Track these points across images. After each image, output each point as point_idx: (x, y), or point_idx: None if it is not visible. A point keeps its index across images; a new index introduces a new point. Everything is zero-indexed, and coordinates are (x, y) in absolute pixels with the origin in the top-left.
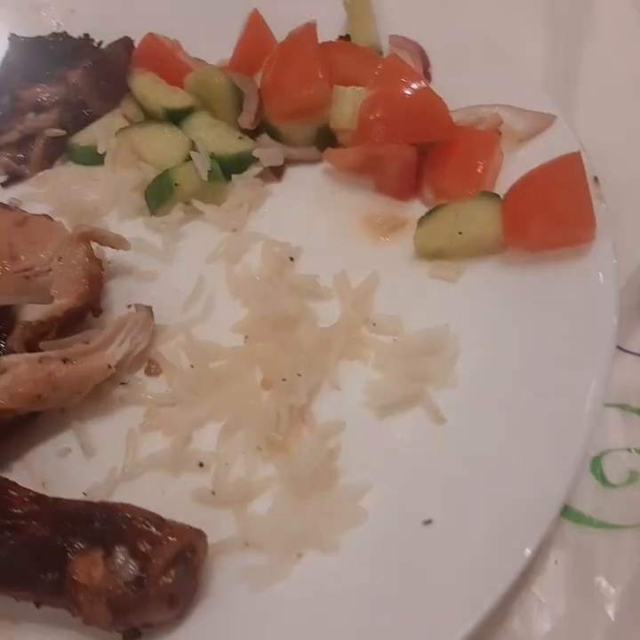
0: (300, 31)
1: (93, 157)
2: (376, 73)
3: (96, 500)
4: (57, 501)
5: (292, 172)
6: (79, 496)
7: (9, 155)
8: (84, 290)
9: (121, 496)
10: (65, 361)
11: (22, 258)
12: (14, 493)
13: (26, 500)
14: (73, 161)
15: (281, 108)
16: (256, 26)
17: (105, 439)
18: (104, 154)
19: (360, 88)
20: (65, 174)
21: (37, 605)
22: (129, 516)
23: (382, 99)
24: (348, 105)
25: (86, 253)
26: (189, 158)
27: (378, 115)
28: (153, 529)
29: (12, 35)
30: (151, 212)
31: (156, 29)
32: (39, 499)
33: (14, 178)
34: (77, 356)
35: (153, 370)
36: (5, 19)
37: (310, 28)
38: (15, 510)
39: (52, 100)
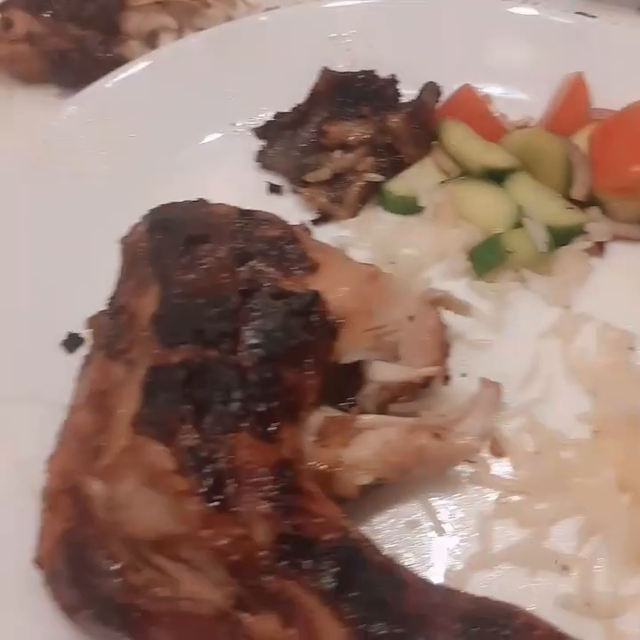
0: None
1: (407, 208)
2: None
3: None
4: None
5: (613, 249)
6: (431, 573)
7: (325, 193)
8: (438, 357)
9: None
10: (436, 435)
11: (376, 315)
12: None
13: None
14: (384, 208)
15: (613, 183)
16: (578, 90)
17: (453, 517)
18: (421, 206)
19: None
20: (381, 222)
21: None
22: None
23: None
24: None
25: (438, 319)
26: (519, 224)
27: None
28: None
29: (325, 68)
30: (478, 276)
31: (447, 75)
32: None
33: (325, 217)
34: (446, 431)
35: (496, 450)
36: (301, 46)
37: None
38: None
39: (358, 140)
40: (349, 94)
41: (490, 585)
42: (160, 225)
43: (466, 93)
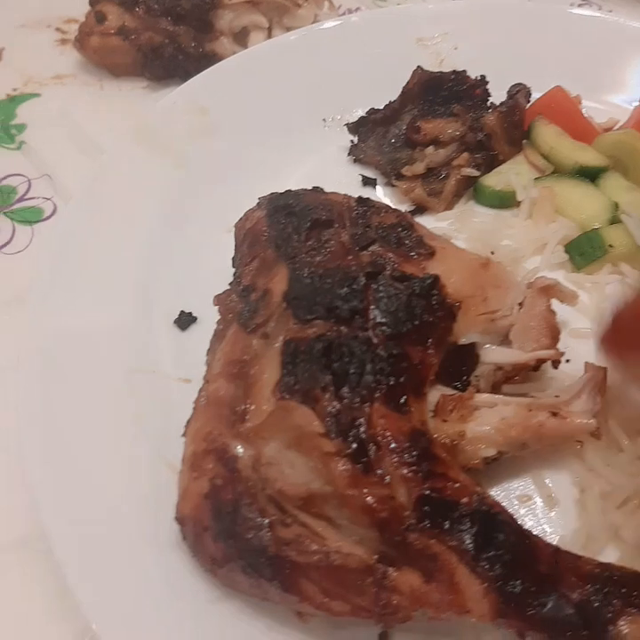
0: None
1: (503, 202)
2: None
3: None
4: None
5: None
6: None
7: (422, 187)
8: (549, 342)
9: None
10: (554, 414)
11: (489, 300)
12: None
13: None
14: (477, 202)
15: None
16: None
17: (565, 493)
18: (516, 201)
19: None
20: (478, 215)
21: None
22: None
23: None
24: None
25: (549, 306)
26: (613, 221)
27: None
28: None
29: (419, 67)
30: (577, 269)
31: (530, 77)
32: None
33: (420, 209)
34: (564, 410)
35: (596, 433)
36: (389, 47)
37: None
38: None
39: (450, 137)
40: (440, 93)
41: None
42: (281, 210)
43: (557, 94)
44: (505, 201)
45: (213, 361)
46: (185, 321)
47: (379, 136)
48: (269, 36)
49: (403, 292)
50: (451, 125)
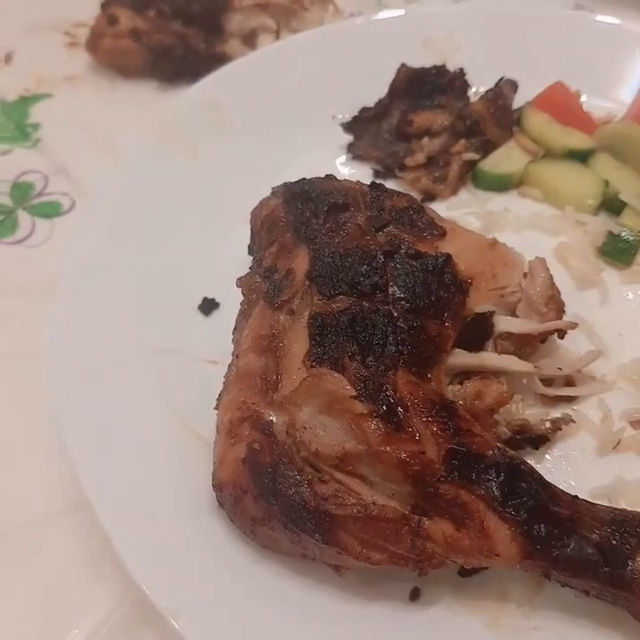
0: None
1: (500, 185)
2: None
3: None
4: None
5: None
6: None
7: (427, 176)
8: (554, 315)
9: None
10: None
11: (498, 277)
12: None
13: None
14: (476, 186)
15: None
16: None
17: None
18: (513, 183)
19: None
20: (480, 198)
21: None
22: None
23: None
24: None
25: (551, 282)
26: (606, 201)
27: None
28: None
29: (403, 64)
30: (627, 264)
31: (532, 77)
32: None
33: (429, 197)
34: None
35: None
36: (395, 50)
37: None
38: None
39: (441, 126)
40: (424, 87)
41: None
42: (298, 196)
43: (558, 89)
44: (503, 184)
45: (241, 337)
46: (208, 306)
47: (372, 133)
48: (277, 38)
49: (418, 270)
50: (439, 116)
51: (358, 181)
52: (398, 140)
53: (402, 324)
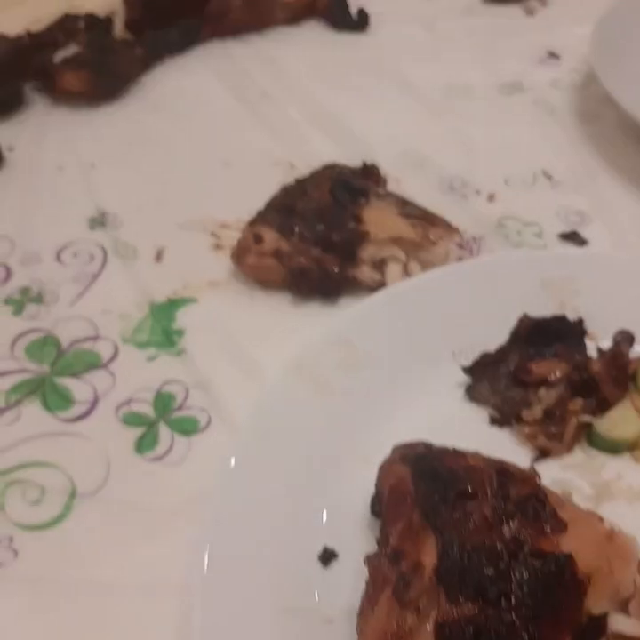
0: None
1: (614, 448)
2: None
3: None
4: None
5: None
6: None
7: (542, 431)
8: None
9: None
10: None
11: (615, 573)
12: None
13: None
14: (590, 445)
15: None
16: None
17: None
18: (626, 446)
19: None
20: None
21: None
22: None
23: None
24: None
25: None
26: None
27: None
28: None
29: (525, 314)
30: None
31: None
32: None
33: (543, 454)
34: None
35: None
36: (515, 288)
37: None
38: None
39: (558, 377)
40: (544, 335)
41: None
42: (426, 474)
43: None
44: (617, 448)
45: (365, 627)
46: (327, 557)
47: (490, 376)
48: (405, 267)
49: (540, 572)
50: (557, 365)
51: (485, 459)
52: (513, 385)
53: (523, 634)
